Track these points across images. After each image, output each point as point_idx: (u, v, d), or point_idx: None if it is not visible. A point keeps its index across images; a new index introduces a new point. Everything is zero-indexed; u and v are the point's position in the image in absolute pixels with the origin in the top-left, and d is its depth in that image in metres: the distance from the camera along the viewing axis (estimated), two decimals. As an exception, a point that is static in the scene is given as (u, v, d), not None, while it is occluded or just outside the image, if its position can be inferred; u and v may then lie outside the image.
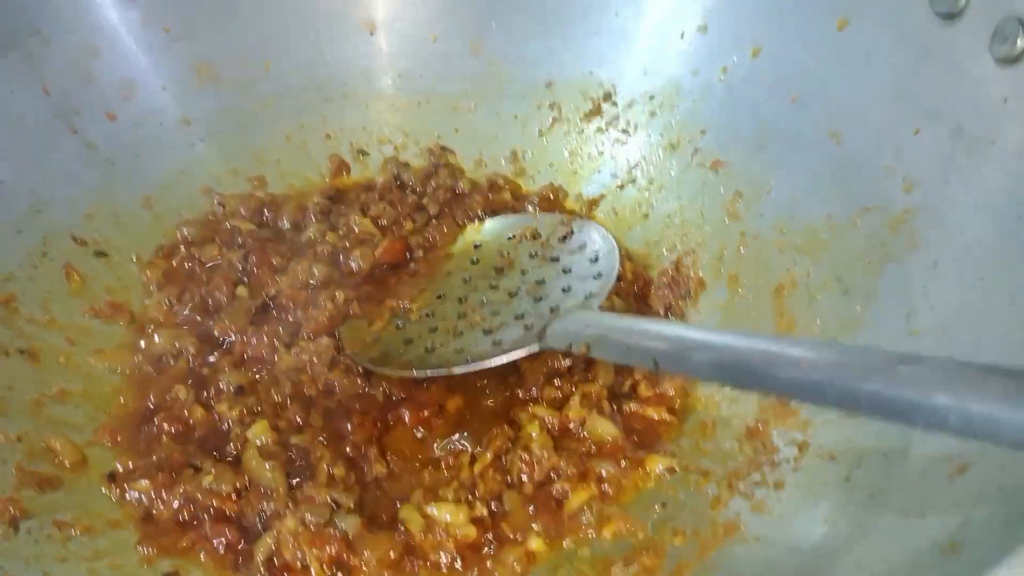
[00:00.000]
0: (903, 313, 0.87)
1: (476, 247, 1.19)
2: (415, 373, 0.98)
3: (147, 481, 0.87)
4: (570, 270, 1.07)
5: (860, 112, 1.01)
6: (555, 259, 1.11)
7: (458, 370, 0.96)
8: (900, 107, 0.96)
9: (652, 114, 1.25)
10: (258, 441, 0.91)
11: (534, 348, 0.95)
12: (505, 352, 0.96)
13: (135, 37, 1.21)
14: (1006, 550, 0.48)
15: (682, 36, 1.21)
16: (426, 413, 0.99)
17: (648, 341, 0.82)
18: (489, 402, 1.00)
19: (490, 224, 1.21)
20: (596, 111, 1.29)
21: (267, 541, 0.82)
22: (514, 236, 1.18)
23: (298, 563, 0.82)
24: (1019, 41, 0.83)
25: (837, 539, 0.70)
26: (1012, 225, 0.79)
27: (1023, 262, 0.77)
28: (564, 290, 1.04)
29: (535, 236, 1.16)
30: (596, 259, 1.07)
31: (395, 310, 1.09)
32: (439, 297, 1.10)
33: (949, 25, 0.91)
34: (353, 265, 1.13)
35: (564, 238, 1.14)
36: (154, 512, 0.86)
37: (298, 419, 0.96)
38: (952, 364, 0.59)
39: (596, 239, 1.11)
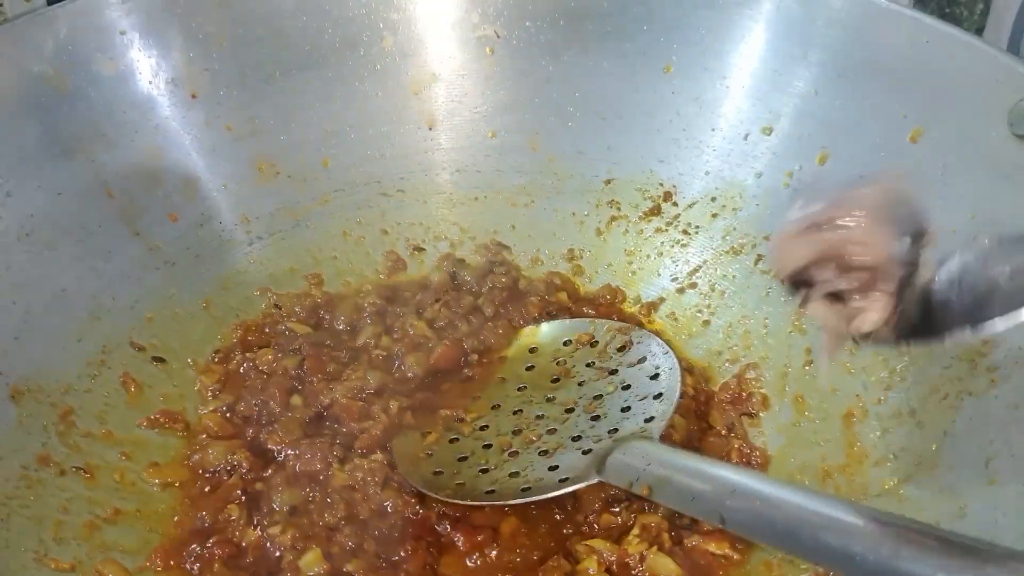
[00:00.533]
0: (982, 457, 0.83)
1: (531, 351, 1.17)
2: (469, 501, 0.96)
3: (198, 613, 0.86)
4: (629, 386, 1.05)
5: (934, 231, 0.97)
6: (614, 371, 1.08)
7: (514, 502, 0.94)
8: (975, 228, 0.92)
9: (714, 216, 1.22)
10: (310, 572, 0.89)
11: (593, 481, 0.92)
12: (562, 486, 0.93)
13: (198, 137, 1.22)
14: None
15: (746, 138, 1.19)
16: (480, 538, 0.96)
17: (715, 493, 0.80)
18: (544, 527, 0.97)
19: (546, 328, 1.19)
20: (656, 211, 1.26)
21: None
22: (570, 342, 1.16)
23: None
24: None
25: None
26: (1101, 374, 0.75)
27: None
28: (623, 409, 1.01)
29: (592, 343, 1.14)
30: (656, 376, 1.04)
31: (448, 420, 1.08)
32: (494, 408, 1.08)
33: (1025, 144, 0.87)
34: (407, 372, 1.12)
35: (622, 348, 1.11)
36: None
37: (351, 544, 0.94)
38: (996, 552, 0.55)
39: (657, 353, 1.08)
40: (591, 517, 0.97)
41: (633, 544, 0.92)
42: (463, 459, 1.02)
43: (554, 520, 0.98)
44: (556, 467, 0.96)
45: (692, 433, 1.05)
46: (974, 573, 0.56)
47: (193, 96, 1.21)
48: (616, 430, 0.97)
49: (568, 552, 0.93)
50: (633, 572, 0.91)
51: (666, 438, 1.03)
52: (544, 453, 0.99)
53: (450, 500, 0.96)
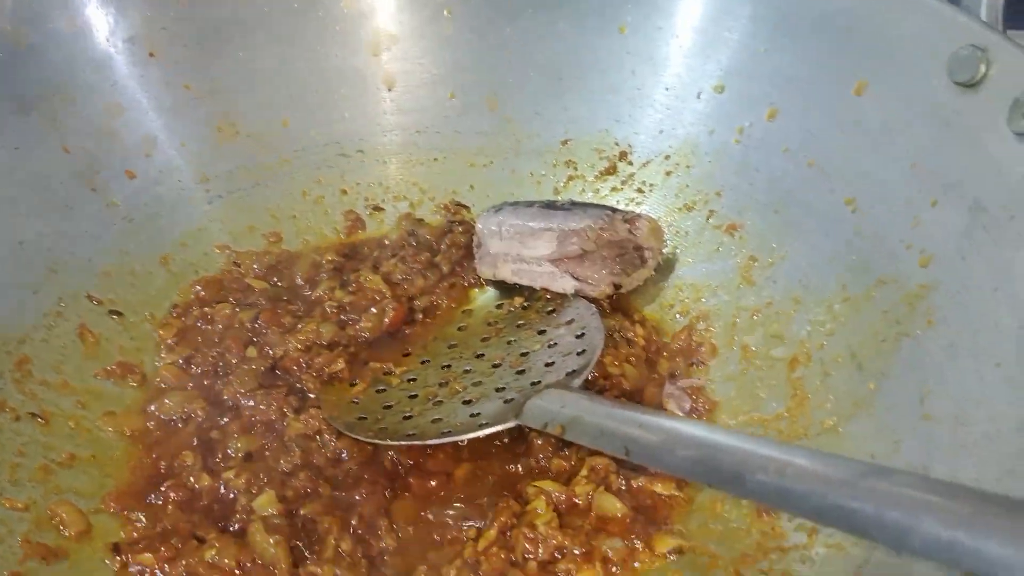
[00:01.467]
0: (917, 395, 0.85)
1: (464, 312, 1.19)
2: (388, 442, 0.98)
3: (150, 554, 0.86)
4: (555, 344, 1.07)
5: (877, 180, 0.99)
6: (542, 331, 1.10)
7: (432, 442, 0.96)
8: (918, 177, 0.94)
9: (668, 174, 1.24)
10: (264, 513, 0.91)
11: (510, 424, 0.95)
12: (481, 427, 0.95)
13: (156, 95, 1.23)
14: None
15: (699, 96, 1.21)
16: (434, 483, 0.98)
17: (621, 427, 0.82)
18: (497, 472, 0.99)
19: (481, 293, 1.21)
20: (612, 170, 1.28)
21: (266, 621, 0.81)
22: (502, 305, 1.18)
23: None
24: (1039, 115, 0.82)
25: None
26: (1030, 309, 0.77)
27: (1043, 351, 0.75)
28: (547, 364, 1.03)
29: (524, 307, 1.16)
30: (582, 335, 1.07)
31: (377, 373, 1.10)
32: (424, 363, 1.11)
33: (968, 95, 0.89)
34: (360, 334, 1.13)
35: (553, 311, 1.13)
36: (156, 585, 0.86)
37: (307, 488, 0.95)
38: (921, 482, 0.58)
39: (584, 314, 1.10)
40: (542, 461, 0.99)
41: (581, 484, 0.93)
42: (388, 407, 1.04)
43: (506, 466, 1.00)
44: (477, 414, 0.99)
45: (642, 381, 1.07)
46: (901, 503, 0.58)
47: (151, 55, 1.22)
48: (539, 382, 1.00)
49: (518, 494, 0.95)
50: (581, 511, 0.92)
51: (616, 385, 1.05)
52: (468, 402, 1.01)
53: (370, 441, 0.98)
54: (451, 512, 0.95)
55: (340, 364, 1.09)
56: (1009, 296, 0.80)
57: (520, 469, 0.99)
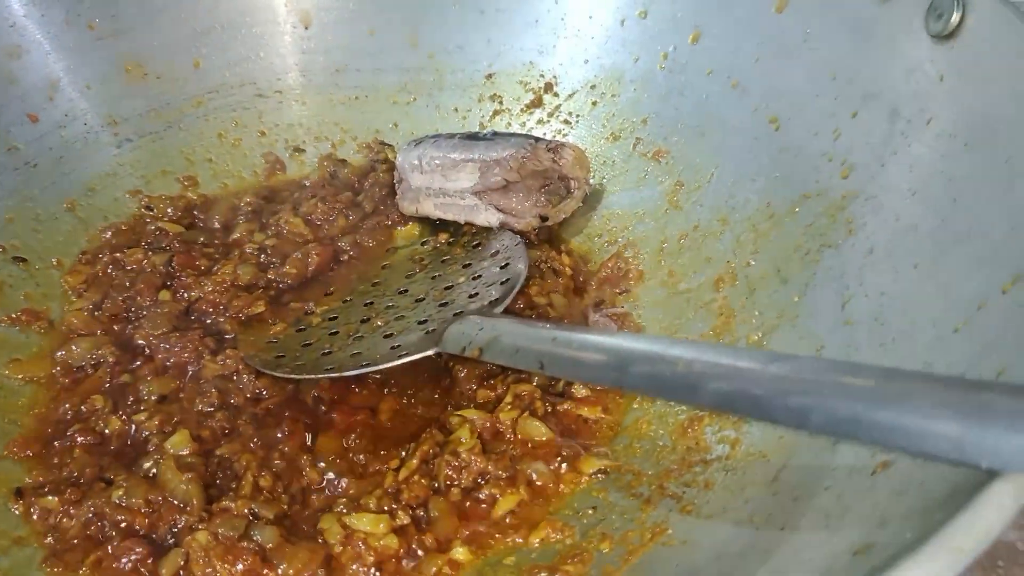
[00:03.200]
0: (839, 302, 0.85)
1: (388, 252, 1.16)
2: (305, 376, 0.95)
3: (55, 497, 0.83)
4: (479, 276, 1.05)
5: (799, 96, 0.98)
6: (467, 265, 1.08)
7: (350, 373, 0.93)
8: (838, 89, 0.93)
9: (594, 104, 1.22)
10: (177, 452, 0.87)
11: (430, 351, 0.92)
12: (401, 356, 0.93)
13: (58, 36, 1.17)
14: (912, 550, 0.45)
15: (622, 23, 1.18)
16: (358, 417, 0.95)
17: (535, 343, 0.81)
18: (421, 405, 0.97)
19: (404, 230, 1.18)
20: (538, 102, 1.26)
21: (175, 557, 0.78)
22: (427, 242, 1.15)
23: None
24: (954, 16, 0.81)
25: (759, 543, 0.67)
26: (947, 209, 0.77)
27: (958, 247, 0.74)
28: (471, 296, 1.01)
29: (449, 243, 1.14)
30: (506, 265, 1.05)
31: (297, 313, 1.06)
32: (346, 301, 1.08)
33: (885, 3, 0.88)
34: (281, 278, 1.10)
35: (478, 245, 1.11)
36: (61, 528, 0.82)
37: (224, 429, 0.92)
38: (820, 363, 0.57)
39: (509, 245, 1.08)
40: (467, 391, 0.96)
41: (506, 411, 0.91)
42: (307, 345, 1.01)
43: (431, 398, 0.97)
44: (398, 346, 0.96)
45: (568, 310, 1.05)
46: (801, 384, 0.56)
47: (51, -7, 1.16)
48: (461, 312, 0.97)
49: (443, 424, 0.93)
50: (506, 438, 0.90)
51: (543, 315, 1.03)
52: (388, 336, 0.99)
53: (287, 376, 0.95)
54: (373, 445, 0.92)
55: (260, 307, 1.05)
56: (925, 197, 0.79)
57: (445, 401, 0.97)
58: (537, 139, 1.11)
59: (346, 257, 1.15)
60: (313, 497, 0.88)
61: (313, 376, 0.95)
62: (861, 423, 0.50)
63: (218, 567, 0.77)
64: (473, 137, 1.12)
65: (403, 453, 0.90)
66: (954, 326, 0.69)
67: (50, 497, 0.83)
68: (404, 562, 0.80)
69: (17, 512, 0.83)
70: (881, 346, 0.76)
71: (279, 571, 0.79)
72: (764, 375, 0.57)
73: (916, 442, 0.48)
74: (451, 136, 1.14)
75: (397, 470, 0.88)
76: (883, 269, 0.81)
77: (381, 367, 0.93)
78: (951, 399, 0.48)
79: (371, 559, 0.79)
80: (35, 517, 0.83)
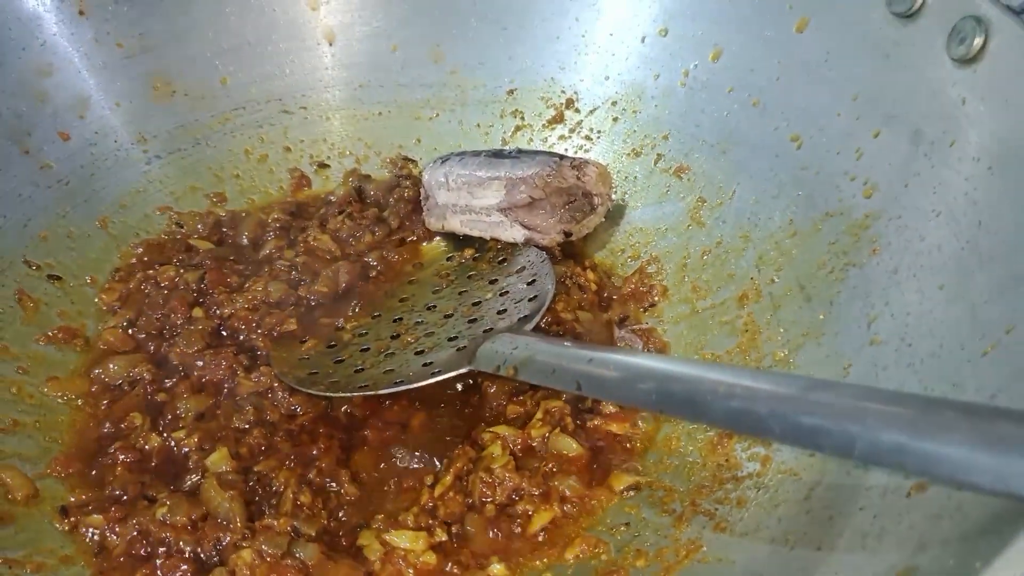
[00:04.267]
0: (865, 321, 0.86)
1: (414, 266, 1.18)
2: (341, 394, 0.97)
3: (100, 515, 0.85)
4: (507, 292, 1.07)
5: (820, 115, 1.00)
6: (494, 280, 1.10)
7: (384, 391, 0.95)
8: (859, 109, 0.95)
9: (615, 120, 1.23)
10: (218, 470, 0.89)
11: (463, 370, 0.94)
12: (434, 375, 0.95)
13: (88, 54, 1.19)
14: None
15: (643, 40, 1.20)
16: (389, 433, 0.97)
17: (573, 364, 0.82)
18: (452, 420, 0.99)
19: (431, 245, 1.20)
20: (559, 118, 1.27)
21: (220, 575, 0.80)
22: (453, 257, 1.17)
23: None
24: (976, 40, 0.82)
25: (796, 563, 0.69)
26: (971, 232, 0.78)
27: (983, 270, 0.76)
28: (499, 312, 1.03)
29: (475, 258, 1.16)
30: (533, 281, 1.06)
31: (328, 328, 1.08)
32: (375, 317, 1.10)
33: (907, 25, 0.90)
34: (312, 295, 1.11)
35: (504, 260, 1.13)
36: (107, 546, 0.84)
37: (261, 445, 0.94)
38: (863, 391, 0.59)
39: (535, 261, 1.10)
40: (497, 408, 0.98)
41: (536, 427, 0.93)
42: (339, 361, 1.03)
43: (462, 414, 0.99)
44: (430, 363, 0.98)
45: (594, 326, 1.07)
46: (845, 412, 0.58)
47: (81, 12, 1.18)
48: (491, 329, 0.99)
49: (474, 441, 0.95)
50: (538, 454, 0.92)
51: (570, 331, 1.05)
52: (420, 352, 1.01)
53: (322, 394, 0.97)
54: (407, 461, 0.94)
55: (292, 324, 1.07)
56: (949, 219, 0.81)
57: (476, 417, 0.99)
58: (561, 156, 1.13)
59: (374, 273, 1.16)
60: (351, 512, 0.90)
61: (346, 394, 0.96)
62: (906, 453, 0.52)
63: (264, 584, 0.79)
64: (498, 155, 1.14)
65: (437, 470, 0.92)
66: (983, 349, 0.71)
67: (95, 515, 0.85)
68: (444, 577, 0.82)
69: (64, 530, 0.85)
70: (909, 367, 0.78)
71: (322, 588, 0.81)
72: (806, 403, 0.59)
73: (959, 473, 0.50)
74: (477, 154, 1.16)
75: (432, 486, 0.90)
76: (909, 289, 0.83)
77: (415, 385, 0.95)
78: (991, 430, 0.50)
79: (411, 575, 0.82)
80: (81, 535, 0.85)
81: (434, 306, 1.09)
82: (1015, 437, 0.48)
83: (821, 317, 0.92)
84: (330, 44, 1.31)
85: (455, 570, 0.83)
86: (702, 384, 0.67)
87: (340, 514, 0.89)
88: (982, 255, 0.76)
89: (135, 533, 0.84)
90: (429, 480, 0.91)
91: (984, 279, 0.75)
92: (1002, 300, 0.72)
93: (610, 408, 0.96)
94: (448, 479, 0.89)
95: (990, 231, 0.77)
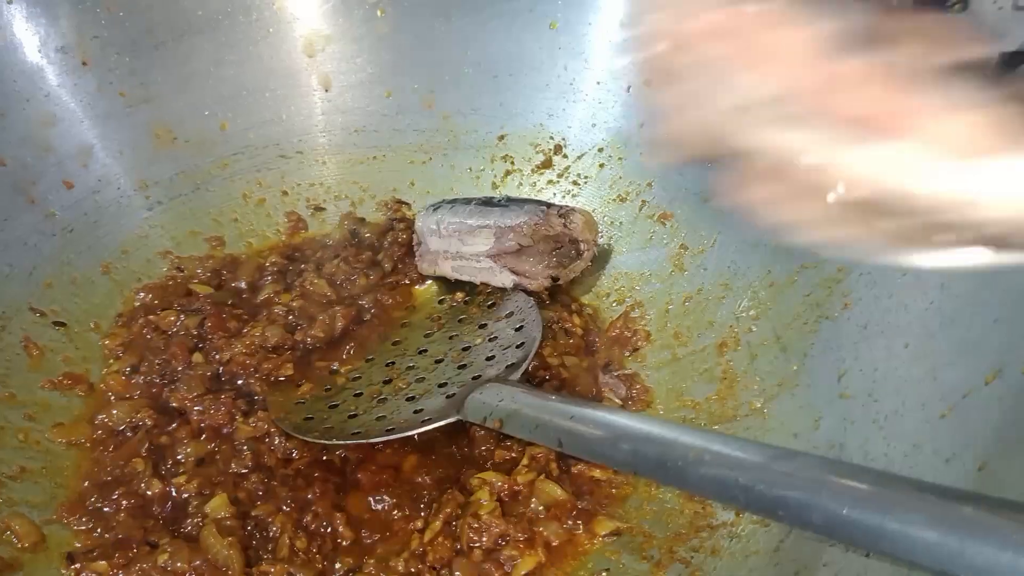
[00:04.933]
0: (835, 374, 0.90)
1: (407, 310, 1.22)
2: (335, 441, 1.00)
3: (104, 562, 0.88)
4: (496, 338, 1.10)
5: (797, 169, 1.03)
6: (483, 325, 1.14)
7: (376, 440, 0.99)
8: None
9: (601, 166, 1.27)
10: (217, 516, 0.93)
11: (452, 419, 0.98)
12: (424, 423, 0.98)
13: (91, 104, 1.23)
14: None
15: (628, 90, 1.24)
16: (383, 476, 1.01)
17: (555, 419, 0.86)
18: (442, 463, 1.02)
19: (422, 288, 1.25)
20: (548, 163, 1.31)
21: (220, 623, 0.84)
22: (444, 300, 1.21)
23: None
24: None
25: (762, 616, 0.73)
26: (935, 293, 0.82)
27: (944, 331, 0.80)
28: (488, 358, 1.07)
29: (465, 301, 1.20)
30: (521, 328, 1.10)
31: (323, 371, 1.12)
32: (368, 360, 1.13)
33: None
34: (309, 339, 1.15)
35: (493, 305, 1.17)
36: (110, 595, 0.88)
37: (259, 490, 0.98)
38: (824, 464, 0.62)
39: (523, 307, 1.14)
40: (485, 452, 1.02)
41: (523, 474, 0.97)
42: (334, 406, 1.07)
43: (451, 457, 1.03)
44: (420, 410, 1.02)
45: (580, 371, 1.11)
46: (803, 484, 0.62)
47: (84, 63, 1.22)
48: (480, 376, 1.03)
49: (463, 486, 0.98)
50: (522, 499, 0.96)
51: (556, 376, 1.09)
52: (411, 399, 1.04)
53: (317, 441, 1.01)
54: (398, 506, 0.98)
55: (289, 369, 1.11)
56: (915, 278, 0.85)
57: (464, 461, 1.02)
58: (549, 205, 1.16)
59: (368, 316, 1.20)
60: (341, 554, 0.94)
61: (340, 442, 1.00)
62: (859, 529, 0.56)
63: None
64: (488, 203, 1.18)
65: (424, 513, 0.96)
66: (941, 411, 0.75)
67: (100, 562, 0.89)
68: (431, 624, 0.86)
69: (70, 576, 0.89)
70: (874, 422, 0.82)
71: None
72: (770, 472, 0.63)
73: (903, 550, 0.53)
74: (467, 201, 1.20)
75: (421, 531, 0.94)
76: (877, 345, 0.87)
77: (405, 434, 0.98)
78: (939, 511, 0.53)
79: (401, 620, 0.85)
80: (86, 582, 0.88)
81: (425, 350, 1.12)
82: (955, 517, 0.52)
83: (795, 368, 0.96)
84: (326, 90, 1.35)
85: (443, 615, 0.87)
86: (674, 448, 0.71)
87: (335, 562, 0.93)
88: (944, 316, 0.80)
89: (134, 579, 0.88)
90: (419, 524, 0.95)
91: (945, 341, 0.79)
92: (961, 363, 0.76)
93: (592, 458, 1.00)
94: (437, 524, 0.93)
95: (952, 293, 0.81)
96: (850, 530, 0.56)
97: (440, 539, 0.92)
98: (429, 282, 1.25)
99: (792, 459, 0.64)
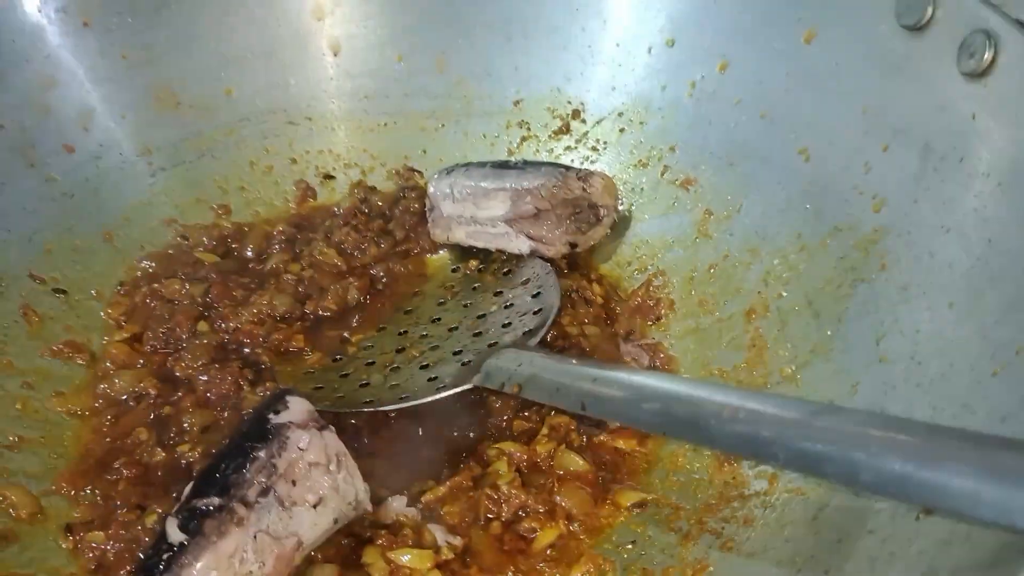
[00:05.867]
0: (873, 338, 0.86)
1: (420, 279, 1.18)
2: (346, 409, 0.96)
3: (102, 532, 0.84)
4: (512, 304, 1.06)
5: (829, 128, 0.99)
6: (499, 293, 1.09)
7: (389, 408, 0.95)
8: (868, 123, 0.94)
9: (621, 131, 1.23)
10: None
11: (468, 385, 0.94)
12: (439, 390, 0.94)
13: (92, 66, 1.19)
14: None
15: (650, 51, 1.19)
16: (396, 446, 0.97)
17: (577, 383, 0.83)
18: (459, 434, 0.98)
19: (435, 257, 1.20)
20: (565, 129, 1.27)
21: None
22: (458, 268, 1.17)
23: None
24: (987, 55, 0.81)
25: (803, 586, 0.68)
26: (981, 249, 0.78)
27: (994, 289, 0.75)
28: (504, 325, 1.03)
29: (480, 269, 1.15)
30: (538, 294, 1.06)
31: (333, 341, 1.08)
32: (380, 329, 1.09)
33: (916, 38, 0.89)
34: (320, 310, 1.11)
35: (508, 272, 1.12)
36: (105, 563, 0.83)
37: (265, 458, 0.93)
38: (869, 417, 0.58)
39: (540, 273, 1.10)
40: (502, 423, 0.98)
41: (542, 443, 0.93)
42: (344, 376, 1.03)
43: (468, 429, 0.99)
44: (435, 378, 0.97)
45: (601, 340, 1.06)
46: (850, 439, 0.57)
47: (85, 24, 1.18)
48: (496, 343, 0.99)
49: (480, 457, 0.94)
50: (543, 470, 0.92)
51: (576, 346, 1.04)
52: (425, 367, 1.00)
53: (328, 410, 0.96)
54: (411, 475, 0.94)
55: (300, 342, 1.07)
56: (959, 235, 0.80)
57: (482, 430, 0.98)
58: (567, 168, 1.12)
59: (380, 286, 1.16)
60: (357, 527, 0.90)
61: (352, 409, 0.96)
62: (909, 483, 0.51)
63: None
64: (504, 166, 1.14)
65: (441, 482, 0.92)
66: (992, 370, 0.70)
67: (98, 532, 0.85)
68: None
69: (67, 548, 0.84)
70: (918, 387, 0.77)
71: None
72: (812, 428, 0.58)
73: (962, 505, 0.49)
74: (482, 165, 1.15)
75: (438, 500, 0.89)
76: (918, 307, 0.82)
77: (420, 401, 0.94)
78: (996, 461, 0.49)
79: (417, 594, 0.81)
80: (83, 550, 0.84)
81: (439, 319, 1.08)
82: (1019, 470, 0.48)
83: (829, 333, 0.91)
84: (335, 55, 1.30)
85: (461, 588, 0.82)
86: (706, 406, 0.67)
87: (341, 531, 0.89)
88: (992, 273, 0.76)
89: (131, 542, 0.84)
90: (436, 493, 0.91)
91: (994, 298, 0.74)
92: (1012, 320, 0.71)
93: (615, 423, 0.96)
94: (442, 491, 0.89)
95: (1000, 249, 0.76)
96: (902, 486, 0.52)
97: (456, 508, 0.88)
98: (443, 251, 1.21)
99: (835, 414, 0.60)
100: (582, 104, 1.26)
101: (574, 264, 1.15)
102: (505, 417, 0.98)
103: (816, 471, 0.58)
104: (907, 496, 0.52)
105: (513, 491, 0.88)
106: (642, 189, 1.19)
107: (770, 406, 0.63)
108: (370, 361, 1.04)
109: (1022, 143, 0.77)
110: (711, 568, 0.78)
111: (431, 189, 1.18)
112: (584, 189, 1.10)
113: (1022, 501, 0.47)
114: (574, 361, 0.90)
